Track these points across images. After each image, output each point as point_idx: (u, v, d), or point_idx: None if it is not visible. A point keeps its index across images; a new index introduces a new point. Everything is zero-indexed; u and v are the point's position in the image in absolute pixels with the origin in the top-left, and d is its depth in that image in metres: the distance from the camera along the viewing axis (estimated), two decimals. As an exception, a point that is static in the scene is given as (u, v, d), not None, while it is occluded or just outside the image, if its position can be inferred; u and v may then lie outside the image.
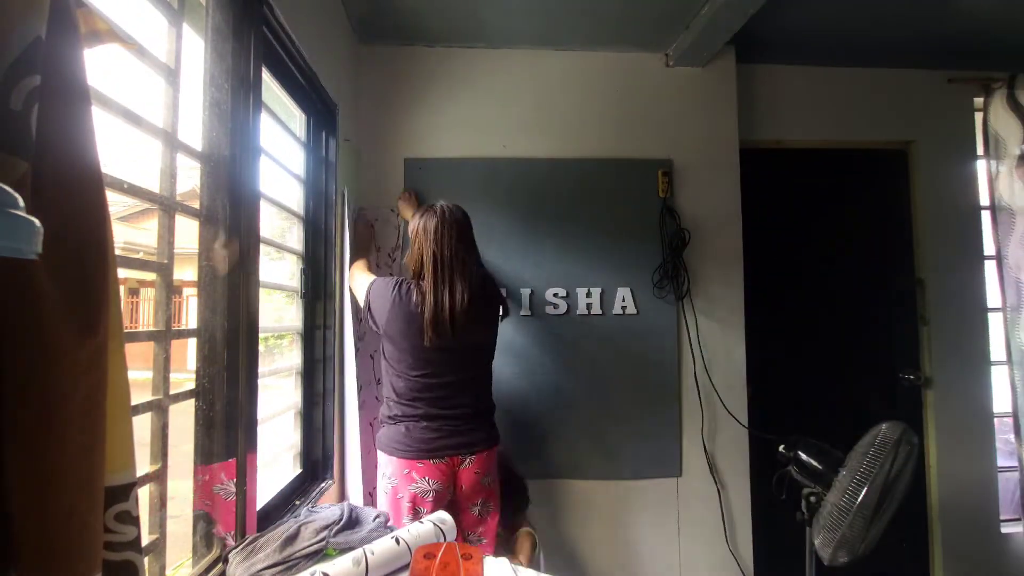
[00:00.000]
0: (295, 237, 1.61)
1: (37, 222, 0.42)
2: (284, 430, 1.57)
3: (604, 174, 2.03)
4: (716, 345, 2.02)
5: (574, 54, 2.06)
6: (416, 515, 1.36)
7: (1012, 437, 2.12)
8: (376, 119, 2.00)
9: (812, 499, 1.38)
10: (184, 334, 1.01)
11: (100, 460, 0.54)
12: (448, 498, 1.43)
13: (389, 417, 1.45)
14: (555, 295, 1.98)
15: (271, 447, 1.46)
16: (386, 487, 1.42)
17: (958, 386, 2.18)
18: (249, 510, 1.06)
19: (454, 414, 1.43)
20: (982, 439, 2.17)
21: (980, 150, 2.24)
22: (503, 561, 0.87)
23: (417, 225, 1.48)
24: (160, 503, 0.88)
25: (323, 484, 1.57)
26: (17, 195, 0.41)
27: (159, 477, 0.87)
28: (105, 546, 0.57)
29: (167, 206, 0.91)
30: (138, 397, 0.84)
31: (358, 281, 1.57)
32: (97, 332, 0.54)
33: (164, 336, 0.90)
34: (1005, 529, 2.15)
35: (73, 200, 0.54)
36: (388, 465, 1.42)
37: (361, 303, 1.51)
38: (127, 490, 0.61)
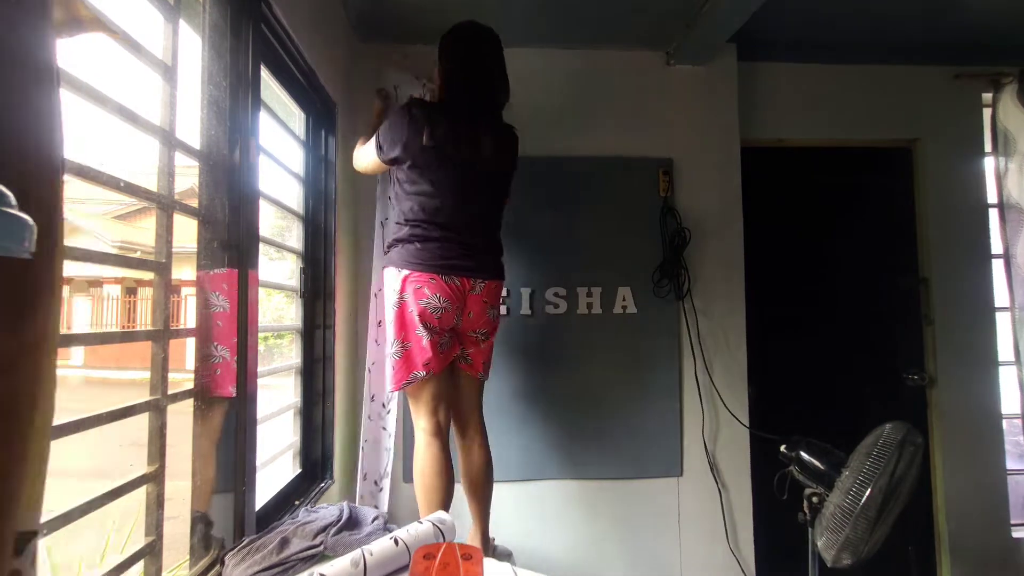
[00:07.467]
0: (295, 236, 1.61)
1: (31, 220, 0.40)
2: (284, 430, 1.56)
3: (604, 173, 2.02)
4: (717, 344, 2.01)
5: (574, 52, 2.05)
6: (426, 331, 1.37)
7: (1022, 439, 2.09)
8: (376, 118, 1.99)
9: (814, 500, 1.37)
10: (183, 333, 1.01)
11: (14, 487, 0.44)
12: (454, 323, 1.43)
13: (402, 238, 1.43)
14: (555, 294, 1.97)
15: (271, 447, 1.45)
16: (395, 302, 1.40)
17: (964, 387, 2.15)
18: (247, 511, 1.06)
19: (469, 240, 1.44)
20: (990, 441, 2.13)
21: (988, 147, 2.21)
22: (505, 564, 0.87)
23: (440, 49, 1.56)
24: (157, 504, 0.87)
25: (322, 484, 1.57)
26: (9, 193, 0.40)
27: (157, 478, 0.87)
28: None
29: (165, 205, 0.90)
30: (137, 397, 0.84)
31: (363, 148, 1.57)
32: (18, 329, 0.47)
33: (162, 336, 0.90)
34: (1016, 534, 2.11)
35: (17, 184, 0.45)
36: (397, 280, 1.40)
37: (374, 155, 1.48)
38: (26, 539, 0.46)
